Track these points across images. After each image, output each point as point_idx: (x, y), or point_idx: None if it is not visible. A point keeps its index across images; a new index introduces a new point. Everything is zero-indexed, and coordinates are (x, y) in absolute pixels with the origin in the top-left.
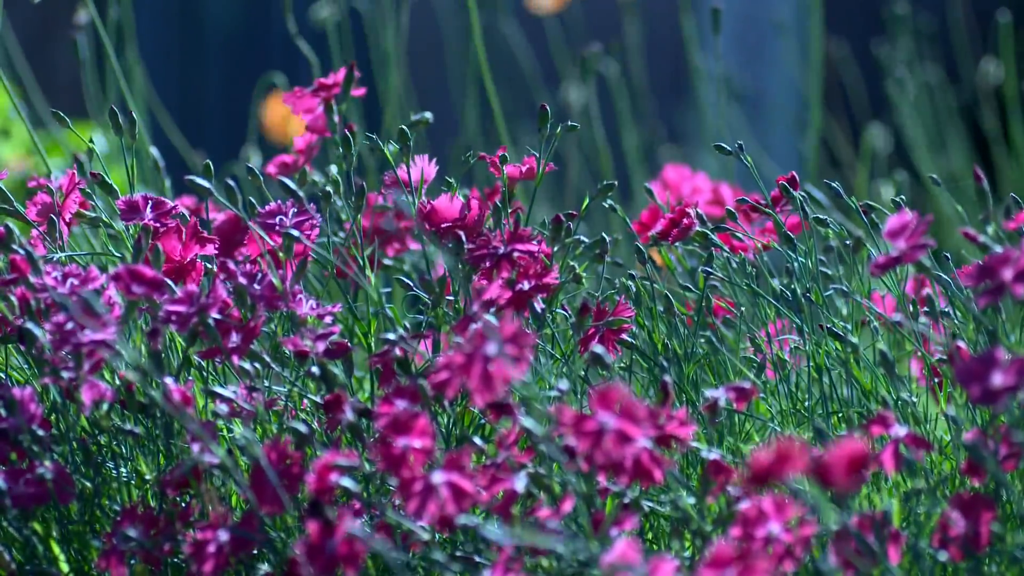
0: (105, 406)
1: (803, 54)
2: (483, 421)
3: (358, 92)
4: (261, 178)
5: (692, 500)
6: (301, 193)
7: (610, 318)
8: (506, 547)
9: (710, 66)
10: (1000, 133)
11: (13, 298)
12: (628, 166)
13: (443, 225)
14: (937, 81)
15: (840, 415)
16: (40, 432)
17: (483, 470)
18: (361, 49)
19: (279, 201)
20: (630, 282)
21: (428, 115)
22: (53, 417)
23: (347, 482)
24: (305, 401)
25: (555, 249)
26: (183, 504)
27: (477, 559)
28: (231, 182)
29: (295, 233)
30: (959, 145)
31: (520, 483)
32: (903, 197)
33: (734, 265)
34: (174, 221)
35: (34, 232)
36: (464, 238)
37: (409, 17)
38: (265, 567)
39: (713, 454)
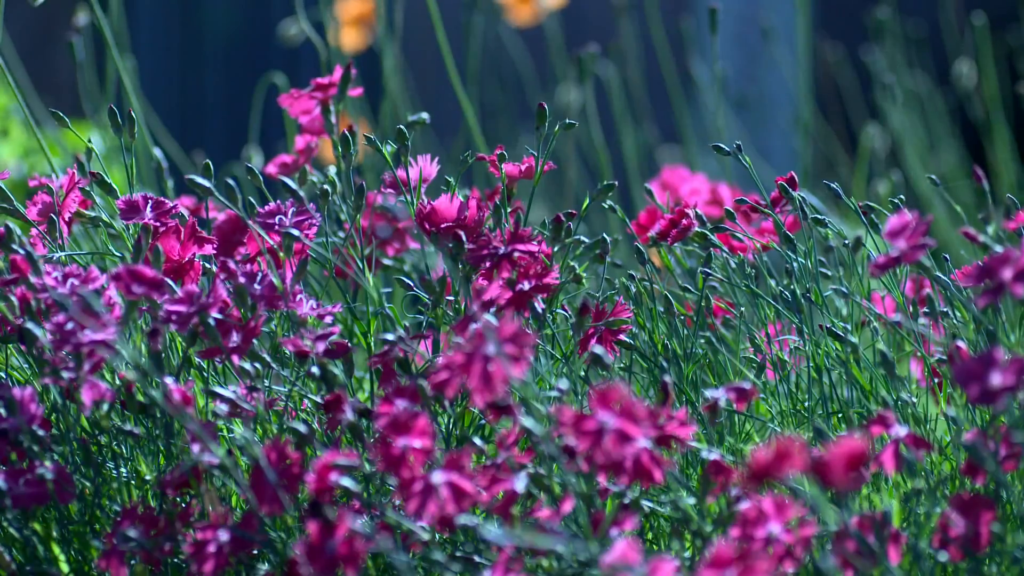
0: (105, 406)
1: (806, 58)
2: (483, 421)
3: (355, 92)
4: (261, 178)
5: (692, 500)
6: (302, 193)
7: (609, 318)
8: (506, 547)
9: (709, 67)
10: (992, 134)
11: (13, 298)
12: (627, 167)
13: (443, 225)
14: (929, 84)
15: (840, 415)
16: (40, 432)
17: (483, 470)
18: (364, 50)
19: (278, 201)
20: (629, 283)
21: (425, 116)
22: (53, 417)
23: (347, 482)
24: (305, 401)
25: (555, 249)
26: (183, 504)
27: (477, 559)
28: (231, 182)
29: (295, 232)
30: (951, 147)
31: (520, 483)
32: (902, 197)
33: (733, 266)
34: (173, 221)
35: (34, 232)
36: (464, 238)
37: (412, 18)
38: (265, 567)
39: (713, 454)
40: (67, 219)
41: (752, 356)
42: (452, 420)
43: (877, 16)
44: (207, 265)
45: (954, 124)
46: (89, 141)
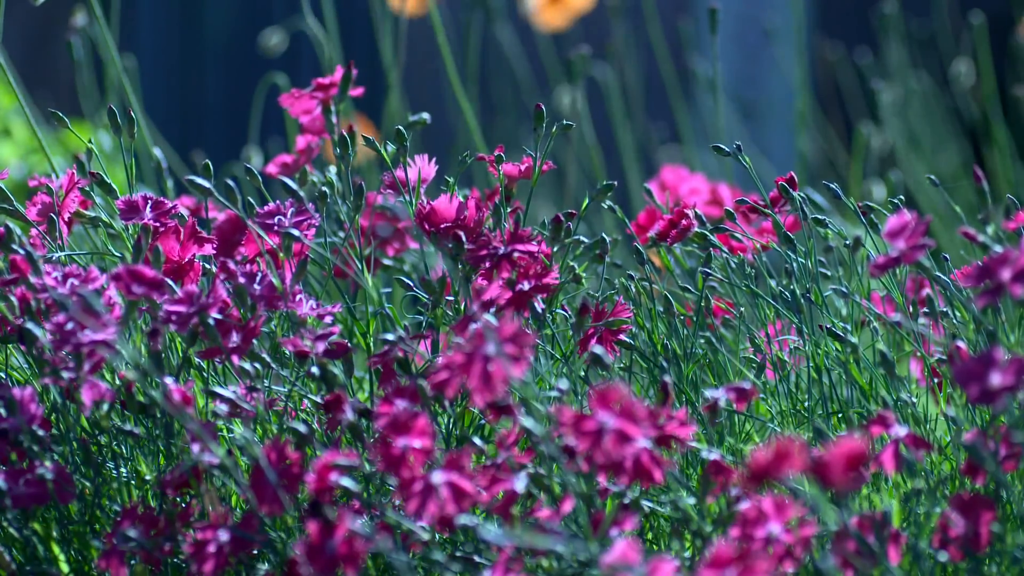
0: (105, 406)
1: (802, 56)
2: (483, 421)
3: (355, 92)
4: (260, 178)
5: (692, 500)
6: (302, 193)
7: (609, 318)
8: (506, 547)
9: (708, 67)
10: (991, 134)
11: (13, 298)
12: (626, 167)
13: (443, 226)
14: (929, 84)
15: (840, 415)
16: (40, 432)
17: (483, 470)
18: (364, 51)
19: (278, 201)
20: (629, 283)
21: (426, 116)
22: (53, 417)
23: (347, 482)
24: (305, 401)
25: (555, 249)
26: (183, 504)
27: (477, 559)
28: (231, 182)
29: (294, 232)
30: (951, 147)
31: (520, 483)
32: (901, 198)
33: (733, 266)
34: (173, 221)
35: (34, 232)
36: (464, 238)
37: (410, 21)
38: (265, 567)
39: (713, 454)
40: (67, 219)
41: (752, 356)
42: (452, 420)
43: (881, 15)
44: (207, 265)
45: (954, 124)
46: (89, 141)
